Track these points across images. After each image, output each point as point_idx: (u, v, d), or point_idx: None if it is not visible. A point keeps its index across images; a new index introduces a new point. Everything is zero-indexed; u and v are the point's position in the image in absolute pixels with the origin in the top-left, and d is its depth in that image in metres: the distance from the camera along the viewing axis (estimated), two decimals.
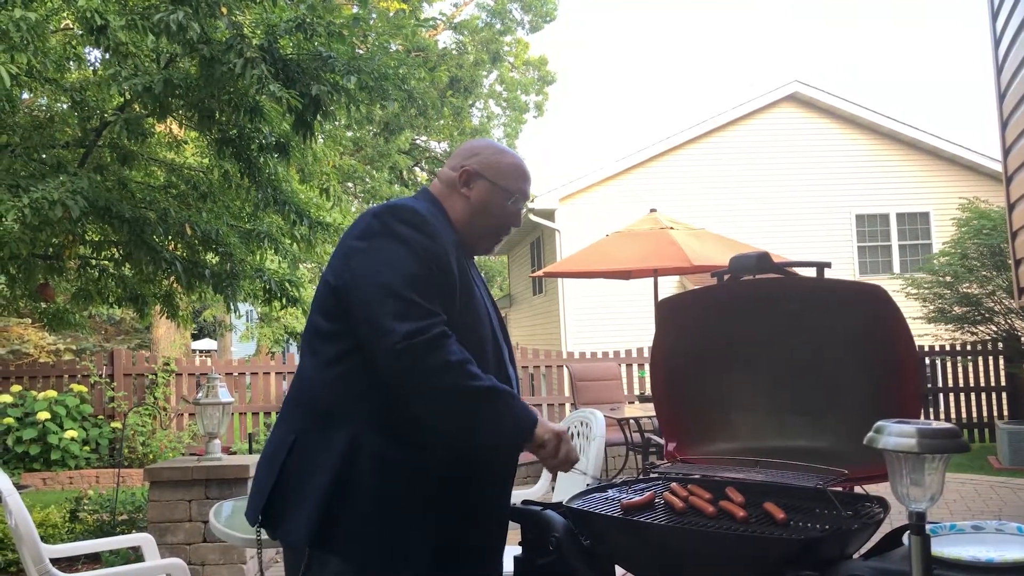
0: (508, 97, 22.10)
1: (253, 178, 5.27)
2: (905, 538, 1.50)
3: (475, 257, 2.04)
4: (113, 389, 9.61)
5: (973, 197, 10.79)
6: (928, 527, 1.53)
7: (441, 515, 1.72)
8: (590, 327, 14.11)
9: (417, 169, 21.54)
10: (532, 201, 14.88)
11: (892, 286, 10.73)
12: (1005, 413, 10.26)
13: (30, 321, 11.75)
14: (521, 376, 10.10)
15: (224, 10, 4.41)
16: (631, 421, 6.88)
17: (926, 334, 10.55)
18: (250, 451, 8.33)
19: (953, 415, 10.32)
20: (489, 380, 1.69)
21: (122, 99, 4.93)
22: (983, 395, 10.33)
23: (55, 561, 3.08)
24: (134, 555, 4.61)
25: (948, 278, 10.01)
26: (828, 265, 1.93)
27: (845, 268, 14.43)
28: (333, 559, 1.68)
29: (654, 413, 2.49)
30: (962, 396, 10.37)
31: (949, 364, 10.43)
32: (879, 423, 1.32)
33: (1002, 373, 10.29)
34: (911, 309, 10.15)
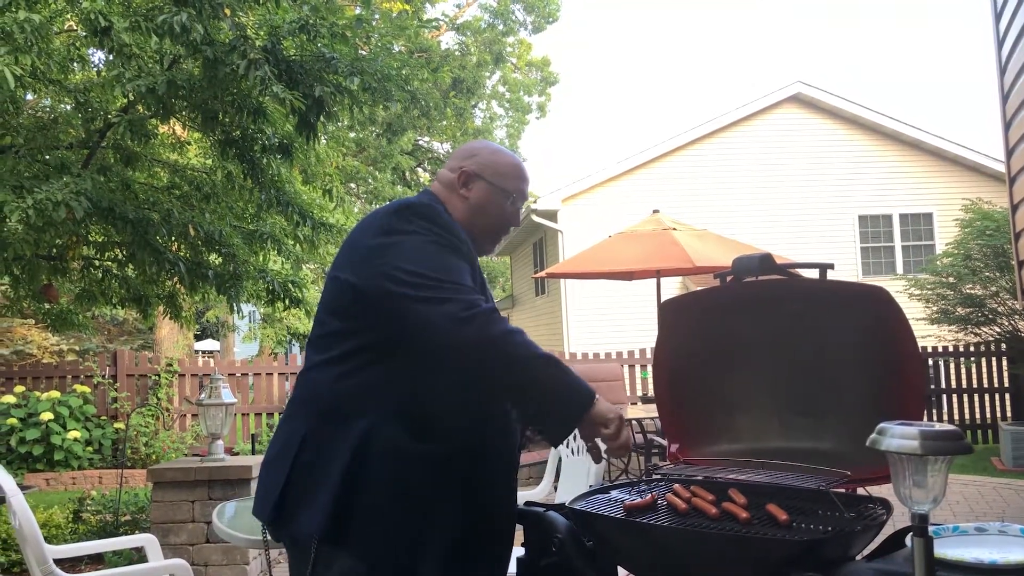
0: (511, 98, 22.12)
1: (256, 179, 5.28)
2: (908, 540, 1.50)
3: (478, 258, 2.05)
4: (116, 390, 9.63)
5: (976, 198, 10.77)
6: (931, 529, 1.53)
7: (454, 511, 1.73)
8: (592, 328, 14.10)
9: (420, 170, 21.57)
10: (535, 202, 14.88)
11: (895, 287, 10.73)
12: (1008, 414, 10.24)
13: (34, 322, 11.78)
14: None
15: (227, 11, 4.42)
16: (634, 422, 6.88)
17: (929, 335, 10.54)
18: (253, 452, 8.33)
19: (956, 416, 10.30)
20: (546, 351, 1.72)
21: (126, 100, 4.94)
22: (986, 396, 10.31)
23: (59, 562, 3.09)
24: (137, 556, 4.62)
25: (951, 279, 10.00)
26: (831, 266, 1.93)
27: (848, 269, 14.41)
28: (343, 554, 1.68)
29: (657, 414, 2.49)
30: (965, 397, 10.35)
31: (952, 365, 10.41)
32: (882, 425, 1.32)
33: (1005, 374, 10.27)
34: (914, 310, 10.14)
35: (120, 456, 9.01)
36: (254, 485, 3.59)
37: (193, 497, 4.55)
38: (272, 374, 10.16)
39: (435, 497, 1.71)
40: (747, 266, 1.96)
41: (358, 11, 5.84)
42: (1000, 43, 5.26)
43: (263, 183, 5.32)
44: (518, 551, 1.90)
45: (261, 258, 5.97)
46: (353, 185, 17.99)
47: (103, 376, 9.65)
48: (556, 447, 3.20)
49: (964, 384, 10.36)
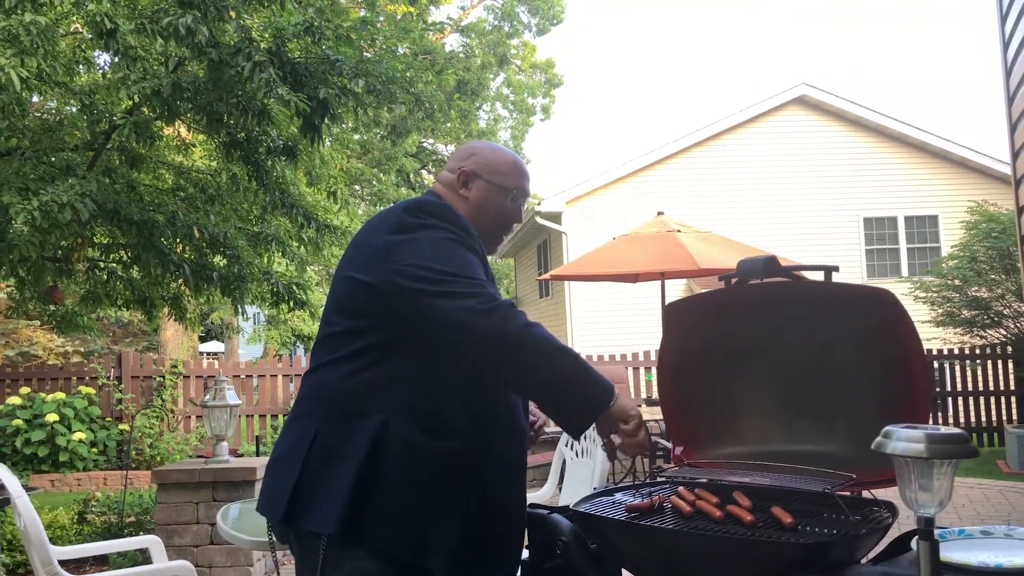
0: (515, 100, 22.14)
1: (261, 181, 5.29)
2: (913, 543, 1.50)
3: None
4: (121, 391, 9.65)
5: (982, 200, 10.75)
6: (937, 532, 1.52)
7: (466, 508, 1.73)
8: (597, 330, 14.10)
9: (424, 172, 21.58)
10: (539, 204, 14.89)
11: (900, 289, 10.70)
12: (1014, 417, 10.21)
13: (39, 323, 11.82)
14: None
15: (232, 14, 4.43)
16: None
17: (935, 338, 10.51)
18: (257, 453, 8.34)
19: (962, 419, 10.27)
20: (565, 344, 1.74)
21: (131, 102, 4.95)
22: (992, 399, 10.28)
23: (63, 563, 3.09)
24: (142, 557, 4.62)
25: (957, 281, 9.98)
26: (836, 269, 1.92)
27: (853, 271, 14.38)
28: (355, 552, 1.68)
29: (661, 416, 2.49)
30: (971, 400, 10.32)
31: (958, 368, 10.39)
32: (887, 428, 1.31)
33: (1011, 377, 10.24)
34: (919, 313, 10.11)
35: (125, 457, 9.02)
36: (258, 487, 3.59)
37: (197, 499, 4.56)
38: (276, 376, 10.17)
39: (448, 494, 1.71)
40: (751, 268, 1.95)
41: (363, 13, 5.85)
42: (1006, 45, 5.25)
43: (268, 185, 5.33)
44: (523, 553, 1.89)
45: (265, 260, 5.98)
46: (357, 187, 18.02)
47: (108, 378, 9.67)
48: (576, 439, 3.21)
49: (970, 387, 10.33)
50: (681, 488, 1.88)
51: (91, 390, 9.43)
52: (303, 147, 5.29)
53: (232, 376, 9.83)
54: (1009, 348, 10.16)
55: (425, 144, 21.78)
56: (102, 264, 5.86)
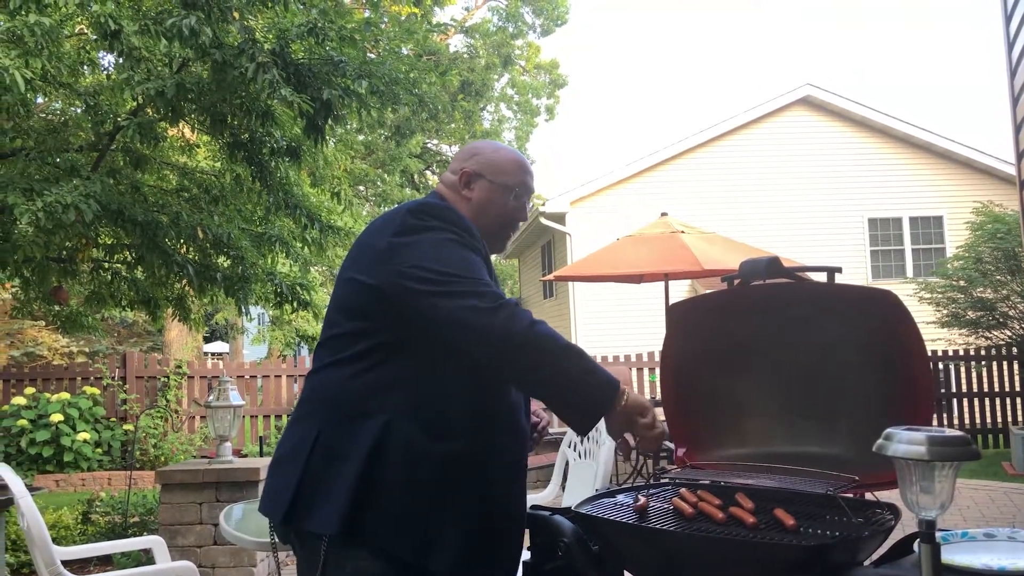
0: (519, 100, 22.14)
1: (264, 182, 5.29)
2: (915, 546, 1.49)
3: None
4: (125, 392, 9.67)
5: (987, 201, 10.72)
6: (939, 535, 1.52)
7: (467, 509, 1.73)
8: (601, 331, 14.09)
9: (428, 172, 21.60)
10: (543, 205, 14.88)
11: (905, 290, 10.69)
12: (1020, 418, 10.18)
13: (44, 324, 11.84)
14: None
15: (236, 15, 4.43)
16: None
17: (940, 339, 10.48)
18: (261, 454, 8.35)
19: (967, 420, 10.25)
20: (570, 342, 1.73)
21: (135, 103, 4.96)
22: (997, 400, 10.25)
23: (67, 563, 3.10)
24: (145, 557, 4.63)
25: (962, 282, 9.96)
26: (839, 270, 1.91)
27: (858, 272, 14.35)
28: (356, 553, 1.68)
29: (664, 418, 2.49)
30: (976, 401, 10.29)
31: (963, 369, 10.36)
32: (888, 430, 1.31)
33: (1016, 378, 10.21)
34: (924, 313, 10.09)
35: (129, 458, 9.04)
36: (262, 487, 3.60)
37: (201, 499, 4.57)
38: (280, 376, 10.19)
39: (449, 495, 1.71)
40: (754, 269, 1.95)
41: (367, 14, 5.86)
42: (1011, 45, 5.23)
43: (271, 186, 5.33)
44: (524, 555, 1.89)
45: (269, 260, 5.98)
46: (362, 188, 18.03)
47: (112, 378, 9.69)
48: (583, 437, 3.22)
49: (975, 388, 10.30)
50: (683, 490, 1.88)
51: (96, 390, 9.46)
52: (307, 148, 5.29)
53: (236, 376, 9.84)
54: (1014, 349, 10.13)
55: (429, 145, 21.79)
56: (106, 265, 5.87)
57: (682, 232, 7.28)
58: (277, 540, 1.87)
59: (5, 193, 4.15)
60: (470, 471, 1.74)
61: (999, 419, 10.20)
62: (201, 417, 9.70)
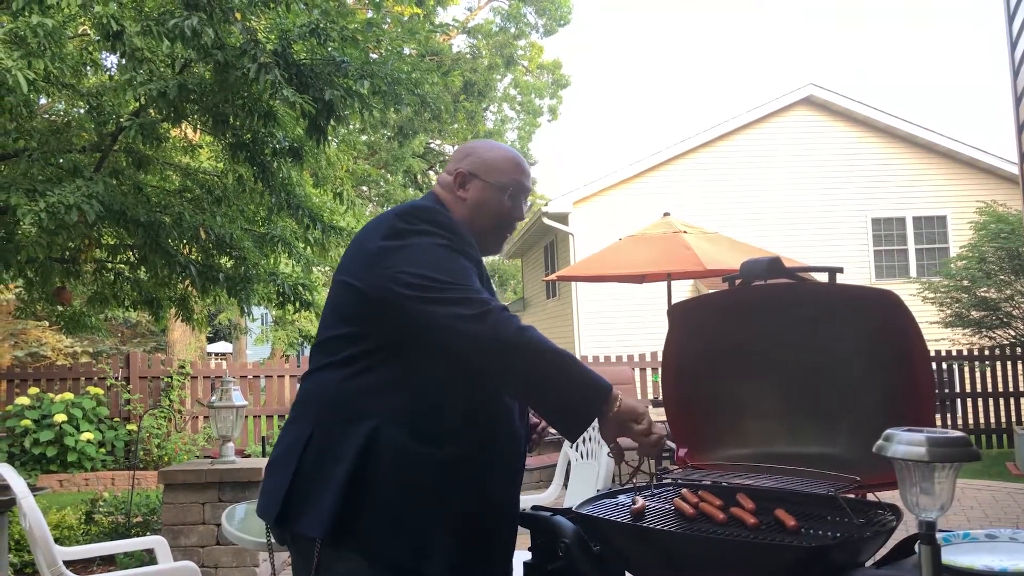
0: (522, 100, 22.14)
1: (267, 182, 5.30)
2: (917, 546, 1.49)
3: (488, 259, 2.05)
4: (129, 392, 9.68)
5: (991, 200, 10.70)
6: (941, 536, 1.51)
7: (458, 513, 1.73)
8: (604, 330, 14.08)
9: (431, 173, 21.60)
10: (546, 205, 14.88)
11: (909, 290, 10.68)
12: None
13: (47, 324, 11.87)
14: None
15: (238, 16, 4.44)
16: None
17: (943, 339, 10.47)
18: (263, 454, 8.36)
19: (971, 420, 10.22)
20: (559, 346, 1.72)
21: (137, 104, 4.96)
22: (1001, 400, 10.22)
23: (70, 563, 3.11)
24: (149, 557, 4.64)
25: (965, 282, 9.94)
26: (840, 270, 1.91)
27: (861, 272, 14.33)
28: (347, 556, 1.68)
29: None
30: (980, 401, 10.27)
31: (967, 369, 10.33)
32: (888, 431, 1.31)
33: (1020, 378, 10.18)
34: (928, 313, 10.08)
35: (133, 458, 9.06)
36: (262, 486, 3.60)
37: (204, 499, 4.57)
38: (284, 376, 10.20)
39: (439, 499, 1.71)
40: (755, 270, 1.94)
41: (369, 15, 5.86)
42: (1013, 45, 5.22)
43: (274, 186, 5.34)
44: (525, 555, 1.89)
45: (272, 261, 5.99)
46: (364, 188, 18.04)
47: (116, 378, 9.71)
48: (572, 443, 3.23)
49: (979, 388, 10.28)
50: (685, 491, 1.87)
51: (99, 390, 9.47)
52: (309, 148, 5.29)
53: (239, 376, 9.85)
54: (1018, 349, 10.10)
55: (432, 145, 21.80)
56: (109, 265, 5.88)
57: (684, 232, 7.27)
58: (274, 541, 1.87)
59: (8, 194, 4.16)
60: (461, 476, 1.73)
61: (1003, 419, 10.17)
62: (204, 417, 9.70)
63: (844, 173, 14.74)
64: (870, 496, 1.80)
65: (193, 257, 5.39)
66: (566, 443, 4.32)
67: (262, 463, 4.73)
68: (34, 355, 12.82)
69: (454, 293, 1.67)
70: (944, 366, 10.24)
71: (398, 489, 1.69)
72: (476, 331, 1.64)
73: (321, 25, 4.49)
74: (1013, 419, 10.14)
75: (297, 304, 5.89)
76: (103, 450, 9.17)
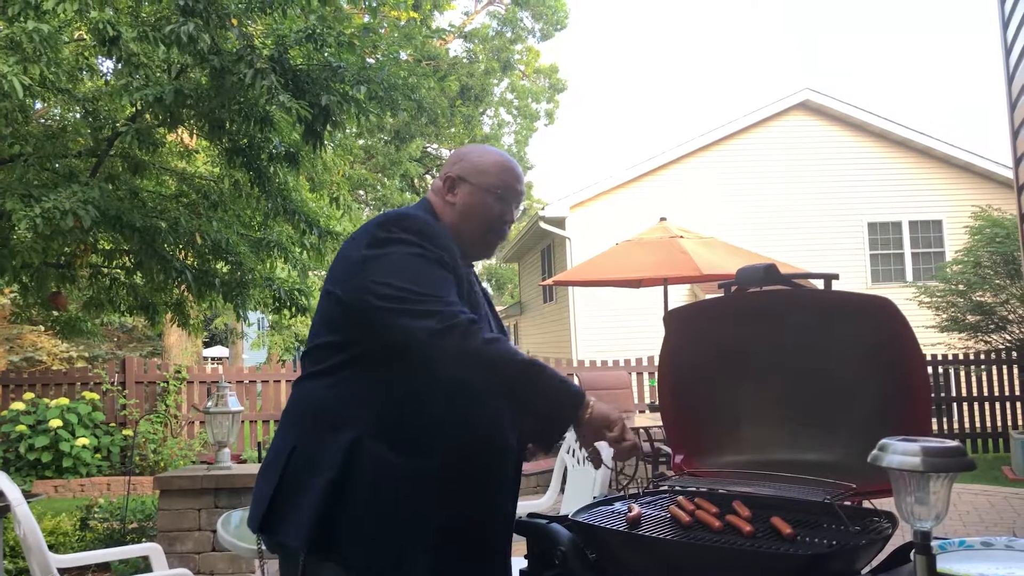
0: (519, 105, 22.16)
1: (263, 187, 5.29)
2: (912, 556, 1.49)
3: (481, 262, 2.05)
4: (125, 397, 9.65)
5: (986, 205, 10.72)
6: (936, 543, 1.51)
7: (439, 525, 1.72)
8: (600, 335, 14.08)
9: (428, 177, 21.61)
10: (543, 209, 14.88)
11: (904, 294, 10.70)
12: (1020, 423, 10.16)
13: (43, 329, 11.83)
14: None
15: (234, 21, 4.44)
16: (641, 430, 6.86)
17: (939, 343, 10.48)
18: (259, 459, 8.34)
19: (967, 425, 10.23)
20: (530, 356, 1.72)
21: (134, 109, 4.96)
22: (997, 404, 10.23)
23: (65, 571, 3.09)
24: (144, 564, 4.62)
25: (961, 286, 9.95)
26: (836, 277, 1.91)
27: (857, 276, 14.35)
28: (329, 566, 1.68)
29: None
30: (976, 406, 10.28)
31: (962, 373, 10.34)
32: (883, 441, 1.31)
33: (1016, 382, 10.19)
34: (924, 318, 10.09)
35: (128, 463, 9.03)
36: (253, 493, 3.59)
37: (199, 505, 4.56)
38: (280, 381, 10.18)
39: (420, 511, 1.70)
40: (751, 276, 1.95)
41: (366, 19, 5.86)
42: (1008, 51, 5.24)
43: (270, 191, 5.34)
44: (521, 563, 1.89)
45: (268, 266, 5.99)
46: (361, 192, 18.04)
47: (112, 383, 9.68)
48: (548, 452, 3.23)
49: (974, 392, 10.29)
50: (680, 498, 1.87)
51: (95, 395, 9.44)
52: (305, 153, 5.29)
53: (235, 381, 9.83)
54: (1014, 353, 10.12)
55: (429, 149, 21.81)
56: (105, 270, 5.87)
57: (681, 237, 7.28)
58: (264, 548, 1.87)
59: (3, 199, 4.16)
60: (441, 488, 1.72)
61: (999, 423, 10.18)
62: (200, 422, 9.68)
63: (840, 177, 14.77)
64: (866, 503, 1.80)
65: (189, 262, 5.38)
66: (563, 449, 4.31)
67: (257, 468, 4.71)
68: (29, 360, 12.78)
69: (423, 305, 1.66)
70: (940, 370, 10.25)
71: (377, 501, 1.68)
72: (443, 344, 1.64)
73: (317, 30, 4.49)
74: (1009, 423, 10.14)
75: (293, 309, 5.89)
76: (99, 456, 9.14)
